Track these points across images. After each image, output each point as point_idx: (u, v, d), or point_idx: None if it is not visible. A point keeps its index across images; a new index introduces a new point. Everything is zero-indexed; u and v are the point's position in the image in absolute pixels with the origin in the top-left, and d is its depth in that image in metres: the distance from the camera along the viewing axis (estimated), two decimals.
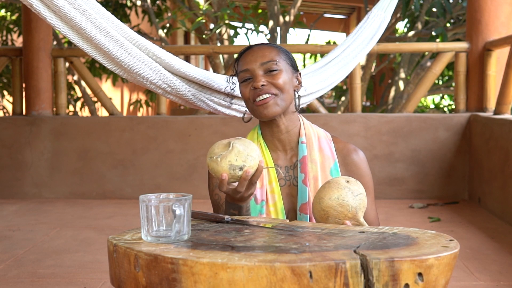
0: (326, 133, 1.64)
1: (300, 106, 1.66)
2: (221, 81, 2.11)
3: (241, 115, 2.25)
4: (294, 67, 1.61)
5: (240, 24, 5.81)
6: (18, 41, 7.26)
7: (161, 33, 6.42)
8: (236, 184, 1.35)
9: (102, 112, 8.68)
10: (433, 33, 5.19)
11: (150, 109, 10.53)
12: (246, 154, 1.31)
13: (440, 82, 7.67)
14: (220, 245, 1.12)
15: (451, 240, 1.14)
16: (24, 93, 4.94)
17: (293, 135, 1.59)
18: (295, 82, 1.60)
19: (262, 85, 1.51)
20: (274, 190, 1.55)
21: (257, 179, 1.34)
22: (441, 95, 8.69)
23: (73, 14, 1.70)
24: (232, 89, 1.76)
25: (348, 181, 1.37)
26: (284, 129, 1.58)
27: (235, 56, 4.87)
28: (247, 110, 1.77)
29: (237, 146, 1.31)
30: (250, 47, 1.59)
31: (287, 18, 6.00)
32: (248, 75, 1.55)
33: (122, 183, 4.66)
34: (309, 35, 6.87)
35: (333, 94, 8.25)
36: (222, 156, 1.31)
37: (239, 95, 1.67)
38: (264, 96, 1.51)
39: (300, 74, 1.63)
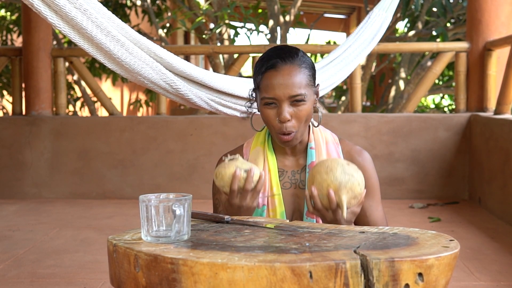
0: (334, 136, 1.63)
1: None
2: (223, 80, 2.11)
3: (242, 115, 2.24)
4: (314, 80, 1.55)
5: (240, 24, 5.81)
6: (18, 41, 7.26)
7: (161, 33, 6.42)
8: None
9: (102, 112, 8.68)
10: (434, 33, 5.19)
11: (150, 109, 10.52)
12: (251, 164, 1.44)
13: (440, 82, 7.67)
14: (220, 245, 1.12)
15: (451, 240, 1.13)
16: (24, 93, 4.94)
17: (303, 142, 1.59)
18: (315, 98, 1.56)
19: (288, 120, 1.48)
20: (274, 195, 1.55)
21: (260, 187, 1.42)
22: (441, 95, 8.69)
23: (74, 14, 1.70)
24: (251, 103, 1.67)
25: (348, 164, 1.39)
26: (295, 141, 1.57)
27: (235, 56, 4.87)
28: (248, 109, 1.76)
29: (241, 158, 1.45)
30: (277, 66, 1.47)
31: (287, 18, 6.00)
32: (272, 101, 1.49)
33: (122, 183, 4.66)
34: (309, 35, 6.87)
35: (333, 94, 8.24)
36: (231, 161, 1.43)
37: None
38: (289, 137, 1.50)
39: (318, 86, 1.58)
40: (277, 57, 1.49)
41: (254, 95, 1.62)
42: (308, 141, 1.59)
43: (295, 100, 1.47)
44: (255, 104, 1.67)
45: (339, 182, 1.35)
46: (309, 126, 1.61)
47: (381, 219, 1.60)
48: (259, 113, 1.58)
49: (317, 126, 1.61)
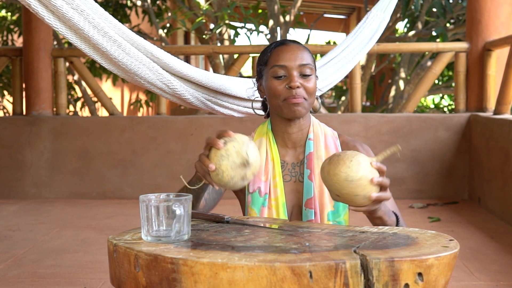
0: (333, 132, 1.68)
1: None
2: (220, 80, 2.11)
3: (239, 115, 2.25)
4: (315, 70, 1.65)
5: (240, 24, 5.81)
6: (19, 41, 7.26)
7: (161, 33, 6.42)
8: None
9: (102, 112, 8.68)
10: (433, 33, 5.19)
11: (150, 109, 10.52)
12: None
13: (440, 82, 7.67)
14: (220, 245, 1.12)
15: (451, 240, 1.14)
16: (24, 93, 4.94)
17: (303, 133, 1.63)
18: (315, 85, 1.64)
19: (298, 87, 1.54)
20: (277, 184, 1.58)
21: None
22: (441, 95, 8.69)
23: (71, 14, 1.70)
24: (254, 92, 1.72)
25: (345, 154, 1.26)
26: (297, 128, 1.61)
27: (235, 56, 4.88)
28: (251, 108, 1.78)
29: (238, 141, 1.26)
30: (286, 43, 1.61)
31: (287, 18, 6.00)
32: (283, 72, 1.56)
33: (122, 183, 4.66)
34: (309, 35, 6.87)
35: (333, 94, 8.25)
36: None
37: (257, 98, 1.67)
38: (298, 100, 1.55)
39: (317, 78, 1.66)
40: (284, 40, 1.63)
41: (256, 83, 1.68)
42: (308, 133, 1.63)
43: (304, 75, 1.56)
44: (257, 95, 1.72)
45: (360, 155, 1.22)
46: (310, 119, 1.65)
47: (391, 202, 1.55)
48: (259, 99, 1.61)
49: (316, 112, 1.65)
